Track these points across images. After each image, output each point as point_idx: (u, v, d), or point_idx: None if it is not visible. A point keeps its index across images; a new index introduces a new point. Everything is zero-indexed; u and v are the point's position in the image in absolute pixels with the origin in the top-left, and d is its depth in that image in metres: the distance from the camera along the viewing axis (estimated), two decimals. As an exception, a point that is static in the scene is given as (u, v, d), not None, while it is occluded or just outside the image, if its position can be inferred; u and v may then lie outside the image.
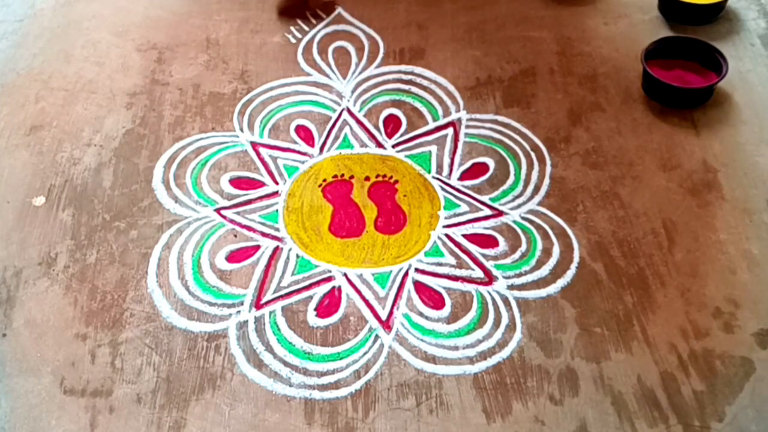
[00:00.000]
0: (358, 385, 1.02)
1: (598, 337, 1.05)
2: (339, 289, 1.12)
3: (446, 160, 1.29)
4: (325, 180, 1.27)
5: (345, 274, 1.14)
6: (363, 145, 1.33)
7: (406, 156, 1.30)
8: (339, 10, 1.58)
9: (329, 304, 1.11)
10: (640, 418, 0.97)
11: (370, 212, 1.22)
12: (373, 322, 1.08)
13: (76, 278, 1.15)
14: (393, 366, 1.04)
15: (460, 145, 1.32)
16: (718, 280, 1.10)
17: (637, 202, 1.21)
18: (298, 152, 1.32)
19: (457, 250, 1.16)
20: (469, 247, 1.17)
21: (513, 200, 1.23)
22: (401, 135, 1.34)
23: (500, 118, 1.35)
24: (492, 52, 1.47)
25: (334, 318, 1.09)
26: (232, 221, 1.22)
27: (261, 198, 1.25)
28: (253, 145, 1.33)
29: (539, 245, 1.16)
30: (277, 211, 1.23)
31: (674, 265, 1.12)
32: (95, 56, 1.52)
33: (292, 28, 1.55)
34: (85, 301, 1.12)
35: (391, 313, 1.09)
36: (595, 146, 1.29)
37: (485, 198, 1.23)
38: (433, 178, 1.27)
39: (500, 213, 1.21)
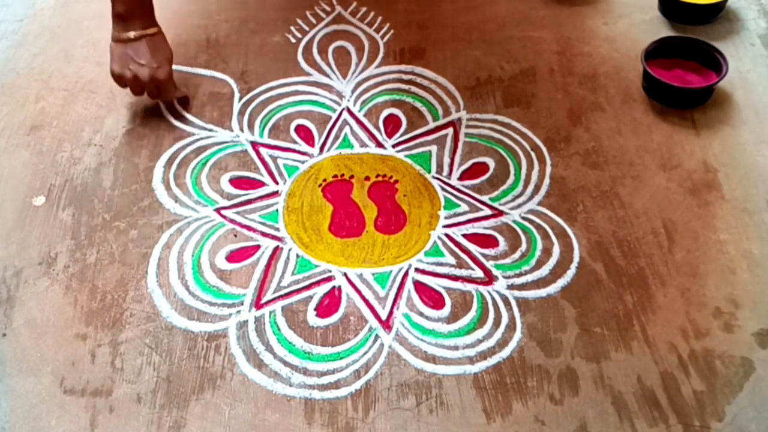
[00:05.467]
0: (358, 385, 1.02)
1: (598, 337, 1.05)
2: (339, 289, 1.12)
3: (446, 160, 1.29)
4: (325, 180, 1.27)
5: (345, 274, 1.14)
6: (363, 144, 1.33)
7: (406, 156, 1.30)
8: (338, 9, 1.58)
9: (329, 304, 1.11)
10: (640, 417, 0.97)
11: (370, 212, 1.22)
12: (373, 322, 1.08)
13: (76, 278, 1.15)
14: (393, 366, 1.04)
15: (460, 144, 1.32)
16: (718, 280, 1.10)
17: (637, 202, 1.21)
18: (298, 152, 1.32)
19: (457, 250, 1.17)
20: (469, 246, 1.17)
21: (513, 200, 1.23)
22: (401, 135, 1.34)
23: (500, 118, 1.35)
24: (492, 52, 1.47)
25: (334, 318, 1.09)
26: (232, 221, 1.22)
27: (261, 198, 1.25)
28: (253, 145, 1.33)
29: (539, 245, 1.16)
30: (277, 210, 1.23)
31: (674, 265, 1.12)
32: (95, 56, 1.52)
33: (292, 28, 1.55)
34: (85, 301, 1.12)
35: (391, 312, 1.09)
36: (595, 146, 1.30)
37: (485, 198, 1.23)
38: (433, 177, 1.27)
39: (500, 213, 1.21)
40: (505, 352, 1.04)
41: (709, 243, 1.15)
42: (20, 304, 1.12)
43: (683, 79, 1.36)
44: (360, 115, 1.38)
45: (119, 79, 1.30)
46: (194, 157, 1.32)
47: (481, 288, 1.12)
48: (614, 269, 1.13)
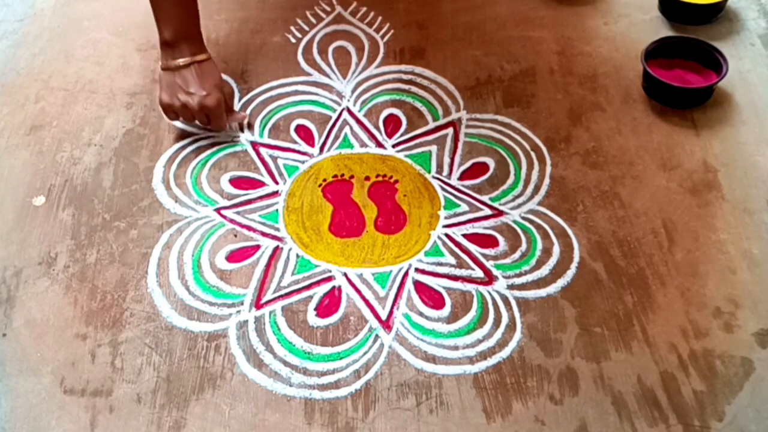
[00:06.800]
0: (358, 384, 1.02)
1: (598, 337, 1.05)
2: (339, 288, 1.12)
3: (446, 160, 1.29)
4: (325, 180, 1.27)
5: (345, 274, 1.14)
6: (363, 144, 1.33)
7: (406, 156, 1.30)
8: (338, 9, 1.58)
9: (329, 304, 1.11)
10: (640, 417, 0.97)
11: (370, 212, 1.22)
12: (373, 322, 1.08)
13: (76, 278, 1.15)
14: (393, 366, 1.04)
15: (460, 144, 1.32)
16: (718, 280, 1.10)
17: (637, 201, 1.21)
18: (298, 152, 1.32)
19: (457, 249, 1.17)
20: (469, 246, 1.17)
21: (513, 200, 1.23)
22: (401, 135, 1.34)
23: (500, 118, 1.35)
24: (492, 52, 1.47)
25: (334, 318, 1.09)
26: (232, 221, 1.22)
27: (261, 198, 1.25)
28: (253, 144, 1.33)
29: (539, 245, 1.16)
30: (277, 210, 1.23)
31: (674, 264, 1.12)
32: (95, 56, 1.52)
33: (292, 28, 1.55)
34: (85, 301, 1.12)
35: (391, 312, 1.09)
36: (595, 146, 1.30)
37: (485, 198, 1.23)
38: (433, 177, 1.27)
39: (500, 213, 1.21)
40: (505, 352, 1.04)
41: (709, 243, 1.15)
42: (20, 304, 1.12)
43: (683, 79, 1.36)
44: (360, 115, 1.38)
45: (168, 108, 1.25)
46: (194, 157, 1.32)
47: (481, 288, 1.12)
48: (614, 269, 1.13)
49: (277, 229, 1.21)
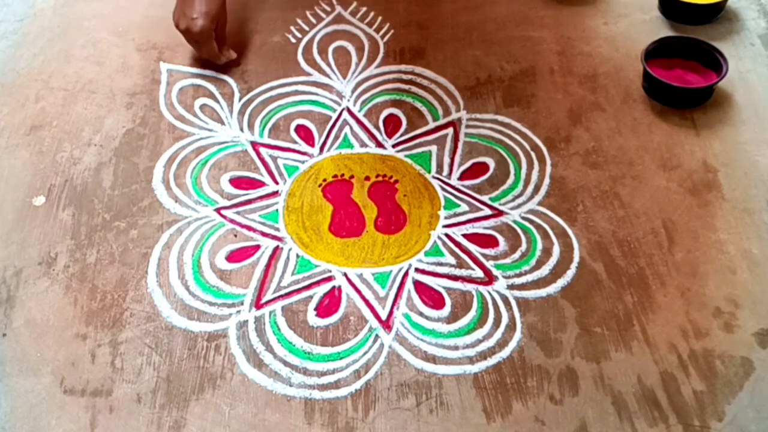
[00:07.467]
0: (358, 384, 1.02)
1: (598, 337, 1.05)
2: (339, 288, 1.12)
3: (446, 160, 1.29)
4: (325, 180, 1.27)
5: (345, 274, 1.14)
6: (363, 144, 1.33)
7: (406, 156, 1.30)
8: (338, 9, 1.59)
9: (329, 303, 1.11)
10: (640, 417, 0.97)
11: (370, 212, 1.22)
12: (373, 322, 1.08)
13: (76, 278, 1.15)
14: (393, 366, 1.04)
15: (460, 144, 1.32)
16: (718, 279, 1.10)
17: (637, 201, 1.21)
18: (298, 152, 1.32)
19: (457, 250, 1.17)
20: (469, 246, 1.17)
21: (513, 200, 1.23)
22: (401, 135, 1.34)
23: (500, 118, 1.35)
24: (492, 52, 1.47)
25: (334, 318, 1.09)
26: (232, 221, 1.22)
27: (261, 198, 1.25)
28: (253, 144, 1.33)
29: (539, 245, 1.16)
30: (277, 210, 1.23)
31: (674, 264, 1.12)
32: (95, 56, 1.52)
33: (292, 28, 1.55)
34: (85, 301, 1.12)
35: (391, 312, 1.09)
36: (595, 146, 1.30)
37: (485, 198, 1.23)
38: (433, 177, 1.27)
39: (500, 213, 1.21)
40: (505, 352, 1.04)
41: (709, 243, 1.15)
42: (20, 304, 1.12)
43: (683, 79, 1.36)
44: (360, 115, 1.38)
45: (177, 28, 1.35)
46: (194, 157, 1.32)
47: (481, 288, 1.12)
48: (614, 269, 1.13)
49: (277, 229, 1.21)
